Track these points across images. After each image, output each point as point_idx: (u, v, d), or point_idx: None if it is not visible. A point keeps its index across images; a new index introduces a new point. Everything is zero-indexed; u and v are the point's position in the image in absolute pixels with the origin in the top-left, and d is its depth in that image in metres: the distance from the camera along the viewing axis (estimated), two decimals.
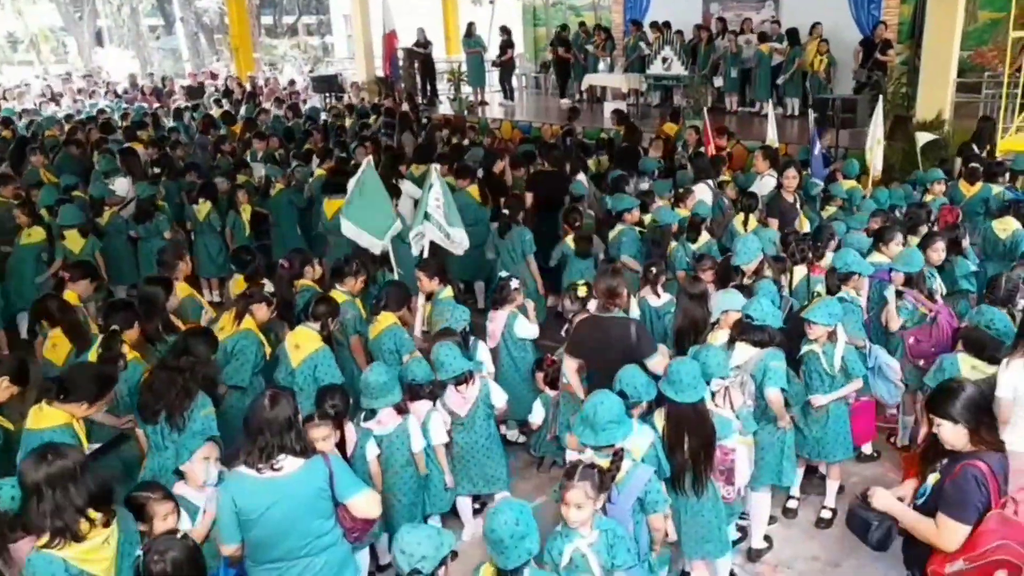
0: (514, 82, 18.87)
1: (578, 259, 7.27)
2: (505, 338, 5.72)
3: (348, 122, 14.28)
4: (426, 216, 6.59)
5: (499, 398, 4.98)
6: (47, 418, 4.08)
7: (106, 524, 3.10)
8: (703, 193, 8.04)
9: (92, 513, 3.07)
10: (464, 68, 18.36)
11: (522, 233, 7.51)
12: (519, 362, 5.82)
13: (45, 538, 3.02)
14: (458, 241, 6.74)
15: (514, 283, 5.76)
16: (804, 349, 4.95)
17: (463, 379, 4.76)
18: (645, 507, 3.69)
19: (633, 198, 7.59)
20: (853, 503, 3.63)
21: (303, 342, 5.07)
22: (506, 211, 7.82)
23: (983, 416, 3.27)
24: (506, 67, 18.23)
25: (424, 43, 18.28)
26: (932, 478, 3.37)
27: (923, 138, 9.43)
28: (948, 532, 3.20)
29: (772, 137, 9.84)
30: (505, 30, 17.98)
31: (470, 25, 18.06)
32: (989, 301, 5.22)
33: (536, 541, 2.98)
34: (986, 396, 3.39)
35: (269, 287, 5.76)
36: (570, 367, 4.90)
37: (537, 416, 5.40)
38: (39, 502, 3.02)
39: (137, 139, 12.44)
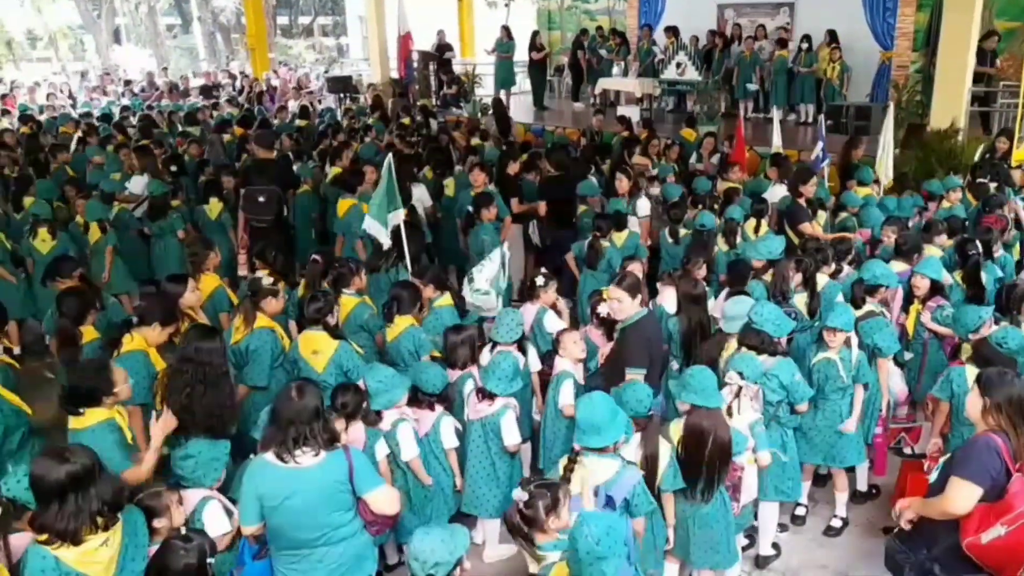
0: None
1: (587, 268, 7.14)
2: (535, 333, 5.69)
3: (369, 121, 14.30)
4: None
5: (511, 436, 4.64)
6: (90, 417, 3.93)
7: (105, 527, 3.07)
8: None
9: (99, 519, 3.05)
10: (478, 71, 18.39)
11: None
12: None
13: (46, 535, 3.00)
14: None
15: (541, 279, 5.78)
16: (819, 356, 4.90)
17: (488, 395, 4.63)
18: (631, 509, 3.65)
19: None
20: (890, 544, 3.72)
21: (319, 347, 5.01)
22: None
23: (1012, 409, 3.34)
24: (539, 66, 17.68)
25: (445, 46, 18.28)
26: (943, 460, 3.50)
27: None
28: (957, 491, 3.22)
29: (777, 143, 9.85)
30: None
31: (507, 29, 17.86)
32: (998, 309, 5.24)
33: (617, 568, 2.82)
34: None
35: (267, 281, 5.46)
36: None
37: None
38: (60, 505, 2.98)
39: (151, 136, 12.48)
